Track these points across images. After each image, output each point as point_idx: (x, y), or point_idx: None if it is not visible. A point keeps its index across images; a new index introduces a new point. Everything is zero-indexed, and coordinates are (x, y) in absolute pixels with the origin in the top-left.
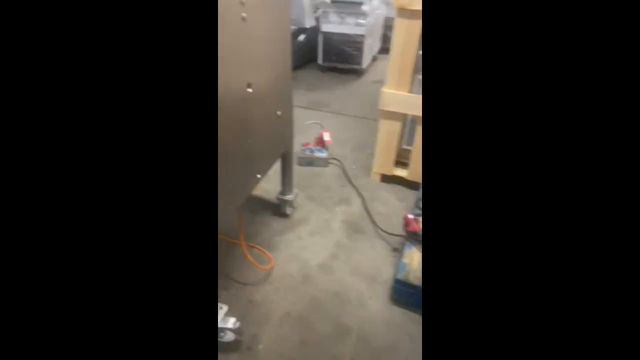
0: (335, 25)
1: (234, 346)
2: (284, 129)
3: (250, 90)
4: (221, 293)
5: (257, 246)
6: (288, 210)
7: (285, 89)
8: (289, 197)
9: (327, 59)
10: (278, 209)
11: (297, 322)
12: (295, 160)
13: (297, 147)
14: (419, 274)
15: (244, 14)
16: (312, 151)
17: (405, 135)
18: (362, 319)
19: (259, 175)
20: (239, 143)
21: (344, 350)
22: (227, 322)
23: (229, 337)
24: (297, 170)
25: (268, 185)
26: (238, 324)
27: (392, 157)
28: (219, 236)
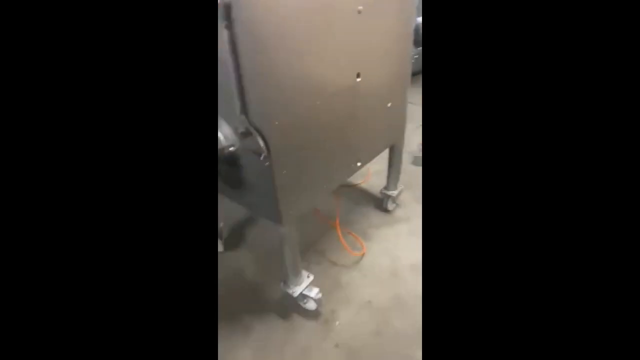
0: None
1: (313, 314)
2: (394, 122)
3: (359, 79)
4: (311, 266)
5: (353, 233)
6: (390, 206)
7: (400, 84)
8: (392, 192)
9: None
10: (381, 203)
11: (376, 313)
12: (410, 159)
13: (414, 146)
14: None
15: (360, 7)
16: None
17: None
18: None
19: (359, 163)
20: (341, 128)
21: (416, 354)
22: (310, 290)
23: (310, 305)
24: (410, 169)
25: (378, 181)
26: (320, 295)
27: None
28: (318, 212)
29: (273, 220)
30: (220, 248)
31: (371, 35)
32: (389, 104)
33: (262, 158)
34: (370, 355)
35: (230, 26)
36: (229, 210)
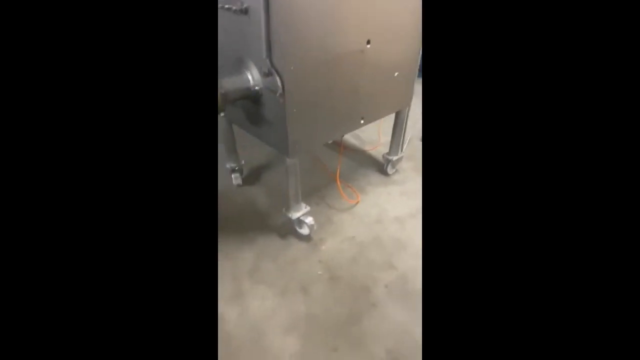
0: None
1: (305, 238)
2: (399, 91)
3: (368, 46)
4: (311, 205)
5: (352, 186)
6: (390, 170)
7: (409, 57)
8: (392, 157)
9: None
10: (382, 167)
11: (356, 245)
12: (419, 134)
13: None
14: None
15: None
16: None
17: None
18: (411, 266)
19: (362, 121)
20: (348, 86)
21: (384, 277)
22: (306, 218)
23: (304, 230)
24: (417, 144)
25: (385, 150)
26: (313, 223)
27: None
28: (324, 166)
29: (282, 152)
30: (239, 181)
31: (384, 9)
32: (396, 74)
33: (277, 95)
34: (344, 272)
35: None
36: (250, 155)
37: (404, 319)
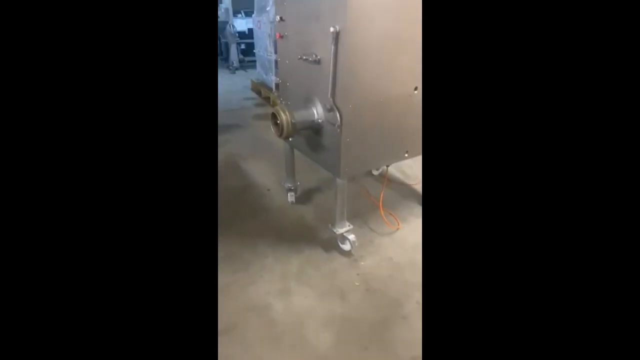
0: None
1: (346, 254)
2: None
3: (415, 92)
4: (354, 227)
5: (393, 214)
6: None
7: None
8: None
9: None
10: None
11: (393, 265)
12: None
13: None
14: None
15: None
16: None
17: None
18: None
19: (406, 154)
20: (396, 123)
21: (416, 295)
22: (349, 234)
23: (346, 246)
24: None
25: None
26: (355, 239)
27: None
28: (368, 193)
29: (334, 173)
30: (293, 199)
31: None
32: None
33: (336, 127)
34: (380, 285)
35: (336, 44)
36: (304, 179)
37: None
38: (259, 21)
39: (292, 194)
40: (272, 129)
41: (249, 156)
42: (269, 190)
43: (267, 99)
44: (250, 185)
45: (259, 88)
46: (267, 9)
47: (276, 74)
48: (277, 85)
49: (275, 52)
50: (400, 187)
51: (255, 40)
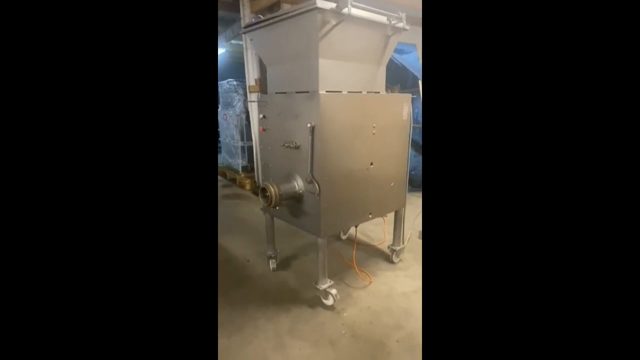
0: None
1: (330, 308)
2: (395, 196)
3: (371, 166)
4: (333, 284)
5: (365, 271)
6: (395, 259)
7: (400, 173)
8: (395, 247)
9: None
10: (388, 257)
11: (372, 313)
12: (417, 234)
13: (420, 227)
14: None
15: (374, 131)
16: None
17: None
18: (416, 327)
19: (370, 215)
20: (359, 191)
21: (395, 334)
22: (331, 289)
23: (329, 301)
24: (417, 241)
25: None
26: (336, 292)
27: None
28: (341, 256)
29: (315, 234)
30: (274, 266)
31: (380, 144)
32: (392, 184)
33: (316, 194)
34: (363, 331)
35: (312, 134)
36: (281, 248)
37: None
38: (225, 114)
39: (274, 261)
40: (262, 201)
41: (224, 232)
42: (248, 261)
43: (234, 180)
44: (230, 258)
45: (224, 171)
46: (234, 104)
47: (242, 158)
48: (243, 168)
49: (242, 140)
50: (366, 248)
51: (221, 130)
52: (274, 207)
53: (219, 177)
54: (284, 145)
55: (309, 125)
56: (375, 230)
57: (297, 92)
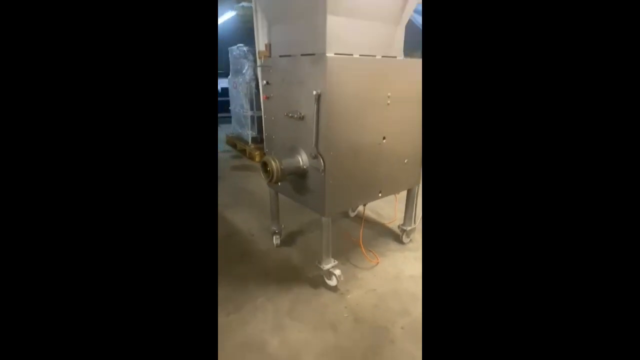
0: None
1: (333, 289)
2: (410, 173)
3: (384, 141)
4: (338, 264)
5: (373, 251)
6: (404, 239)
7: (414, 149)
8: (407, 227)
9: None
10: (398, 237)
11: (377, 296)
12: None
13: None
14: None
15: (388, 101)
16: None
17: None
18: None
19: (380, 194)
20: (369, 168)
21: (400, 321)
22: (334, 270)
23: (332, 281)
24: None
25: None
26: (340, 274)
27: None
28: (348, 234)
29: (320, 212)
30: (278, 242)
31: (395, 116)
32: (406, 160)
33: (320, 171)
34: (367, 315)
35: (318, 104)
36: (286, 223)
37: (418, 353)
38: (235, 82)
39: (277, 237)
40: (263, 176)
41: (231, 205)
42: (253, 235)
43: (243, 151)
44: (234, 232)
45: (234, 142)
46: (243, 71)
47: (252, 129)
48: (253, 139)
49: (251, 109)
50: (375, 226)
51: (231, 99)
52: (276, 183)
53: (229, 148)
54: (287, 115)
55: (314, 92)
56: (386, 208)
57: (302, 55)
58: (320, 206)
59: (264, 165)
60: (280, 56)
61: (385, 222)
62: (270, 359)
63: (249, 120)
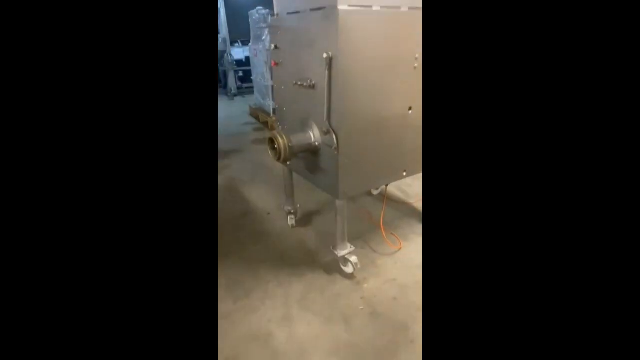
0: None
1: (349, 276)
2: None
3: (410, 112)
4: (355, 247)
5: (395, 234)
6: None
7: None
8: None
9: None
10: None
11: (398, 287)
12: None
13: None
14: None
15: (415, 65)
16: None
17: None
18: None
19: (404, 173)
20: (392, 143)
21: (419, 316)
22: (350, 256)
23: (348, 268)
24: None
25: None
26: (357, 261)
27: None
28: (369, 215)
29: (333, 195)
30: (293, 223)
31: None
32: None
33: (333, 149)
34: (385, 309)
35: (329, 69)
36: (303, 202)
37: None
38: (255, 49)
39: (292, 217)
40: (270, 154)
41: (248, 181)
42: (269, 214)
43: (266, 123)
44: (250, 210)
45: (257, 113)
46: (263, 38)
47: (273, 99)
48: (274, 110)
49: (272, 79)
50: (400, 206)
51: (252, 68)
52: (284, 161)
53: (252, 120)
54: (296, 84)
55: (324, 55)
56: (413, 185)
57: (311, 10)
58: (334, 188)
59: (271, 142)
60: (289, 13)
61: (411, 201)
62: (274, 355)
63: (270, 90)
